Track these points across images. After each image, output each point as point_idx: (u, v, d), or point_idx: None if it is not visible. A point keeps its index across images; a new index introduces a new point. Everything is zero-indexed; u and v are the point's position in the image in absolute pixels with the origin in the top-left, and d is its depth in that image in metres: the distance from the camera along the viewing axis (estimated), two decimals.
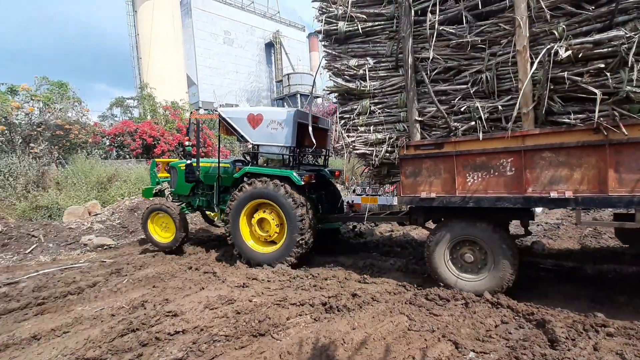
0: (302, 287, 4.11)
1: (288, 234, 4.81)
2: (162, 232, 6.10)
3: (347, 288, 4.02)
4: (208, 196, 6.06)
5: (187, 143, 5.74)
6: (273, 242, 5.12)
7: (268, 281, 4.36)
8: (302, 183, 4.81)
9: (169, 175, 6.66)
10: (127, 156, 12.99)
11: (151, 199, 6.69)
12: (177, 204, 6.13)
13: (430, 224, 4.45)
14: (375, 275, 4.56)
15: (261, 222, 5.12)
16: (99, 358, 2.75)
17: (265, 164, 5.75)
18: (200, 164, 5.84)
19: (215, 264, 5.33)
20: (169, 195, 6.62)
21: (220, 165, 5.73)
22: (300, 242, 4.76)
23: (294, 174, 4.82)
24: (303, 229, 4.73)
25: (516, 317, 3.19)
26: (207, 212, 7.05)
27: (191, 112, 5.86)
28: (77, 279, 4.75)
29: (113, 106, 18.59)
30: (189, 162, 5.72)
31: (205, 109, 6.93)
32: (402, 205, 4.79)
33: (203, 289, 4.18)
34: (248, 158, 5.92)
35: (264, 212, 5.05)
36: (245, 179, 5.18)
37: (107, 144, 13.57)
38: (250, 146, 5.34)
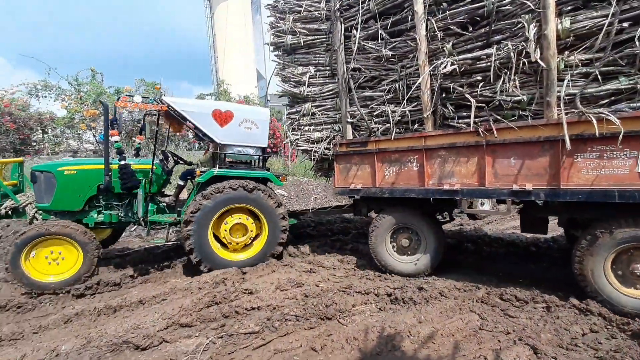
0: (366, 277, 4.23)
1: (269, 235, 4.73)
2: (53, 269, 4.20)
3: (412, 281, 3.99)
4: (117, 209, 4.67)
5: (115, 138, 4.29)
6: (245, 247, 4.82)
7: (334, 268, 4.61)
8: (283, 184, 4.91)
9: (14, 182, 4.81)
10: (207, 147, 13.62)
11: None
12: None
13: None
14: (443, 270, 4.35)
15: (231, 228, 4.67)
16: (190, 324, 3.14)
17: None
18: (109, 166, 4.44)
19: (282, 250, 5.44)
20: (35, 215, 4.71)
21: (140, 167, 4.76)
22: (282, 241, 4.79)
23: (273, 175, 4.87)
24: (285, 227, 4.77)
25: (608, 326, 2.88)
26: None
27: (118, 98, 4.38)
28: (172, 255, 5.38)
29: None
30: (123, 163, 4.42)
31: (144, 97, 4.18)
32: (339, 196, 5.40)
33: (274, 271, 4.49)
34: (172, 158, 5.27)
35: (233, 217, 4.65)
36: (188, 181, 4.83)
37: (191, 136, 14.36)
38: (217, 147, 4.74)
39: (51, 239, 4.15)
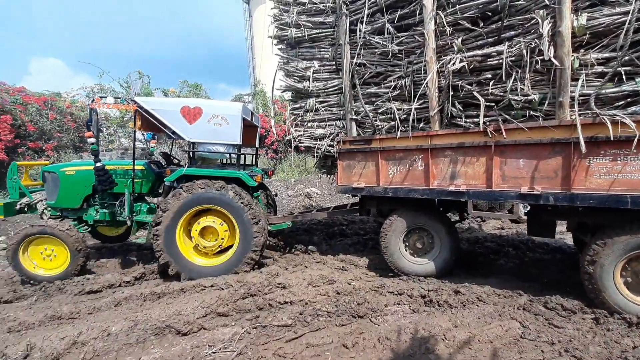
0: (399, 277, 4.17)
1: (241, 240, 4.34)
2: (45, 263, 4.48)
3: (448, 284, 3.84)
4: (112, 207, 4.84)
5: (90, 140, 4.35)
6: (219, 252, 4.53)
7: (366, 267, 4.59)
8: (256, 184, 4.53)
9: (41, 183, 5.19)
10: None
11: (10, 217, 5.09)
12: (61, 221, 4.66)
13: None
14: (482, 274, 4.24)
15: (202, 232, 4.43)
16: (227, 313, 3.25)
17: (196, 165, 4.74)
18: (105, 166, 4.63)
19: (313, 247, 5.54)
20: (44, 211, 5.01)
21: (127, 167, 4.83)
22: (256, 248, 4.34)
23: (246, 174, 4.49)
24: (258, 232, 4.34)
25: None
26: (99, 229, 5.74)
27: (92, 100, 4.46)
28: None
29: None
30: (99, 165, 4.44)
31: (116, 97, 4.44)
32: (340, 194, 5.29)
33: (306, 267, 4.53)
34: (163, 159, 5.25)
35: (206, 219, 4.42)
36: (175, 182, 4.51)
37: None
38: (188, 144, 4.58)
39: (38, 239, 4.42)
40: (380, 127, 4.29)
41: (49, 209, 4.91)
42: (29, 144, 9.43)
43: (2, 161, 8.65)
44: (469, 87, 3.54)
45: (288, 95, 5.18)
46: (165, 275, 4.40)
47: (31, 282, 4.40)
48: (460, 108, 3.68)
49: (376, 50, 4.21)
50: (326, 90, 4.72)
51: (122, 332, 2.95)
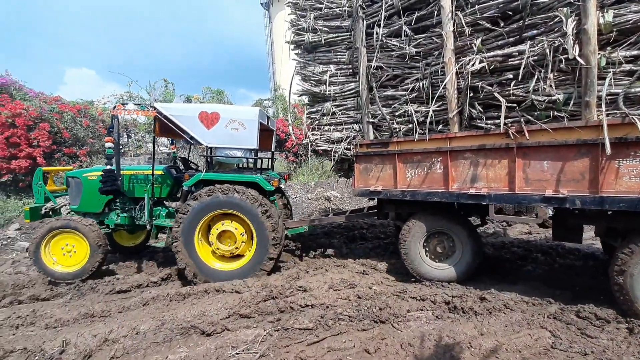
0: (421, 282, 4.09)
1: (258, 245, 4.35)
2: (64, 260, 4.62)
3: (473, 290, 3.75)
4: (132, 211, 4.98)
5: (108, 144, 4.47)
6: (236, 257, 4.57)
7: (387, 272, 4.52)
8: (273, 188, 4.53)
9: (65, 188, 5.31)
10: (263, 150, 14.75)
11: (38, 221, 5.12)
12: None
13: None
14: (508, 280, 4.12)
15: (220, 235, 4.47)
16: (249, 315, 3.30)
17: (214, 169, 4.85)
18: (122, 172, 4.83)
19: (331, 252, 5.52)
20: (68, 215, 5.16)
21: (146, 172, 4.98)
22: (273, 254, 4.35)
23: (263, 178, 4.48)
24: (276, 239, 4.33)
25: None
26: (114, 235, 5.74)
27: (114, 107, 4.56)
28: None
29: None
30: (108, 167, 4.58)
31: (136, 103, 4.45)
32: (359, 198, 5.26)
33: (327, 271, 4.50)
34: (182, 164, 5.37)
35: (224, 224, 4.45)
36: (193, 187, 4.54)
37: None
38: (206, 149, 4.62)
39: (66, 232, 4.61)
40: (397, 129, 4.25)
41: (73, 213, 5.07)
42: (65, 150, 9.92)
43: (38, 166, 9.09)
44: (490, 87, 3.46)
45: (306, 99, 5.20)
46: (184, 278, 4.48)
47: (48, 278, 4.57)
48: (481, 109, 3.61)
49: (393, 53, 4.18)
50: (343, 94, 4.72)
51: (150, 331, 3.05)
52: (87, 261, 4.57)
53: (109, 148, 4.53)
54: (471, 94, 3.61)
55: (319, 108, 4.86)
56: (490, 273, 4.37)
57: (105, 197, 4.90)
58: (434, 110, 3.91)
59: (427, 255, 4.23)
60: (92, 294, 4.26)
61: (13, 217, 7.96)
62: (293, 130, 11.62)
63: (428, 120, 3.89)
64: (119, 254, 5.84)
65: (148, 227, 4.86)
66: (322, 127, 4.88)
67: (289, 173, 6.00)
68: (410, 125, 4.11)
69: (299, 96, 5.16)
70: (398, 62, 4.20)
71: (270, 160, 5.69)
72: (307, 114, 4.98)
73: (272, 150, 5.62)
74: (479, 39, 3.48)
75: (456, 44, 3.68)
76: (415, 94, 4.09)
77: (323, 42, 4.69)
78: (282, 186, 6.06)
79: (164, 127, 4.64)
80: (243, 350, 2.73)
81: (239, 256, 4.56)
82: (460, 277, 4.05)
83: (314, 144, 4.84)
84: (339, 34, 4.65)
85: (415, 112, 4.03)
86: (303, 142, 5.14)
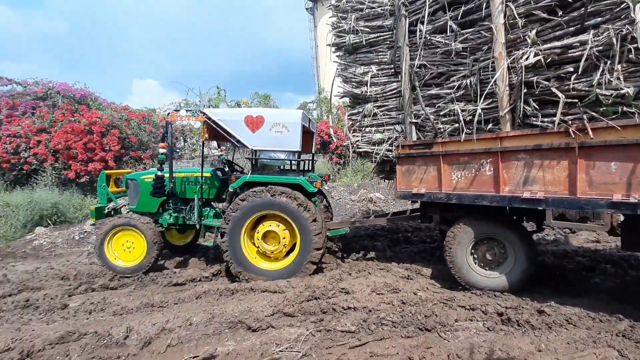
0: (471, 290, 3.88)
1: (301, 247, 4.40)
2: (125, 255, 5.02)
3: (529, 301, 3.50)
4: (183, 212, 5.25)
5: (162, 150, 4.77)
6: (280, 257, 4.67)
7: (433, 277, 4.35)
8: (316, 190, 4.57)
9: (124, 189, 5.67)
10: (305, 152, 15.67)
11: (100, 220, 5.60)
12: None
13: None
14: (571, 293, 3.83)
15: (265, 236, 4.56)
16: (293, 314, 3.36)
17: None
18: (174, 174, 5.13)
19: (374, 254, 5.47)
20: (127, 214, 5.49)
21: (195, 175, 5.23)
22: (315, 256, 4.39)
23: (306, 180, 4.53)
24: (319, 242, 4.37)
25: None
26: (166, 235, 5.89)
27: (168, 113, 4.85)
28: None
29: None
30: (159, 174, 4.86)
31: (188, 110, 4.92)
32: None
33: (370, 274, 4.44)
34: (226, 166, 5.59)
35: (268, 224, 4.55)
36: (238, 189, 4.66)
37: None
38: (251, 152, 4.76)
39: (126, 230, 5.00)
40: (442, 130, 4.08)
41: (131, 213, 5.45)
42: (131, 153, 10.83)
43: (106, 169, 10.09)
44: (546, 82, 3.19)
45: (347, 100, 5.17)
46: (232, 275, 4.66)
47: (110, 271, 4.96)
48: (536, 106, 3.33)
49: (438, 50, 4.02)
50: (384, 95, 4.63)
51: (201, 323, 3.23)
52: (144, 257, 4.94)
53: (162, 153, 4.83)
54: (525, 90, 3.35)
55: (360, 109, 4.81)
56: (549, 284, 4.03)
57: (159, 198, 5.20)
58: (482, 109, 3.69)
59: (475, 263, 4.00)
60: (153, 285, 4.59)
61: (89, 213, 8.86)
62: (335, 131, 11.60)
63: (476, 119, 3.68)
64: (170, 252, 6.23)
65: (197, 226, 5.11)
66: (363, 128, 4.83)
67: (329, 175, 5.98)
68: (456, 125, 3.91)
69: (340, 98, 5.16)
70: (443, 59, 4.03)
71: (311, 162, 5.74)
72: (348, 116, 4.96)
73: (313, 152, 5.66)
74: (534, 31, 3.22)
75: (507, 37, 3.44)
76: (462, 92, 3.89)
77: (364, 42, 4.63)
78: (324, 188, 6.08)
79: (213, 131, 4.86)
80: (286, 348, 2.78)
81: (283, 256, 4.65)
82: (513, 286, 3.77)
83: (355, 145, 4.80)
84: (381, 34, 4.56)
85: (462, 110, 3.83)
86: (344, 144, 5.10)
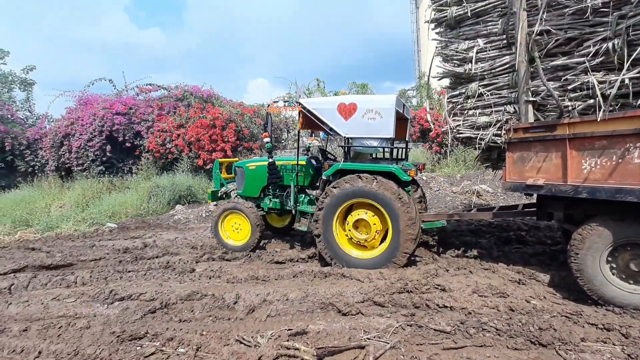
0: (606, 307, 3.17)
1: (393, 237, 4.24)
2: (234, 234, 5.59)
3: None
4: (281, 197, 5.54)
5: (266, 140, 5.10)
6: (371, 246, 4.55)
7: (553, 285, 3.77)
8: (410, 178, 4.34)
9: (233, 176, 6.13)
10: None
11: (216, 202, 6.35)
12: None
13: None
14: None
15: (356, 223, 4.50)
16: (383, 304, 3.33)
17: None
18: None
19: (477, 252, 5.10)
20: (235, 198, 6.03)
21: (296, 162, 5.32)
22: (408, 248, 4.20)
23: (399, 169, 4.32)
24: (413, 233, 4.17)
25: None
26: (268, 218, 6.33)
27: (268, 105, 5.06)
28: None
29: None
30: (270, 161, 5.24)
31: (285, 101, 5.05)
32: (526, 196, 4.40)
33: (471, 272, 4.11)
34: (321, 155, 5.68)
35: (360, 212, 4.46)
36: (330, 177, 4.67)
37: None
38: (343, 140, 4.67)
39: (234, 213, 5.55)
40: (569, 108, 3.35)
41: (238, 197, 5.98)
42: (245, 144, 12.32)
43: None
44: None
45: (447, 82, 4.69)
46: (323, 259, 4.75)
47: (223, 248, 5.62)
48: None
49: (566, 10, 3.28)
50: (492, 71, 4.04)
51: (296, 299, 3.44)
52: (249, 237, 5.43)
53: (267, 142, 5.13)
54: None
55: (462, 90, 4.30)
56: None
57: (260, 184, 5.58)
58: (630, 79, 2.88)
59: (613, 274, 3.20)
60: (258, 260, 5.04)
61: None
62: (432, 117, 10.67)
63: (619, 92, 2.89)
64: (272, 233, 6.76)
65: (293, 212, 5.39)
66: (466, 111, 4.31)
67: (424, 163, 5.57)
68: (590, 102, 3.16)
69: (438, 79, 4.71)
70: (573, 20, 3.28)
71: (404, 150, 5.44)
72: (447, 98, 4.49)
73: (407, 139, 5.36)
74: None
75: None
76: (600, 59, 3.11)
77: (469, 13, 4.09)
78: (419, 177, 5.74)
79: (308, 120, 4.95)
80: (374, 337, 2.74)
81: (378, 244, 4.57)
82: None
83: (455, 130, 4.34)
84: (490, 1, 3.96)
85: (600, 82, 3.07)
86: (443, 129, 4.67)
